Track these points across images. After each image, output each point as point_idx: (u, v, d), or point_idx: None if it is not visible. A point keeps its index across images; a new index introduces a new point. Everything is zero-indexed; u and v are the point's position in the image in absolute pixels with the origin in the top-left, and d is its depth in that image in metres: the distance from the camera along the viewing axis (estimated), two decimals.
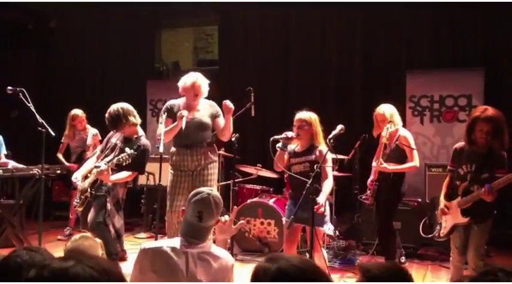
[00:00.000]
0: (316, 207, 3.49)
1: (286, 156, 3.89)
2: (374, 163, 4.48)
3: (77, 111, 6.09)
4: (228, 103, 4.18)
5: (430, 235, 3.91)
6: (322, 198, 3.60)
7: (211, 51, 8.44)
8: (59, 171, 5.05)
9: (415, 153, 4.45)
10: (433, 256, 5.24)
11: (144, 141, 4.36)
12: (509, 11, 6.17)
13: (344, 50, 7.10)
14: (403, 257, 4.90)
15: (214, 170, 4.41)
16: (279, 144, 3.76)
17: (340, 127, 3.66)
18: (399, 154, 4.44)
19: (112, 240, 4.34)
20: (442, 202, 3.69)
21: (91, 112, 6.25)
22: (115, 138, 4.42)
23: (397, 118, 4.50)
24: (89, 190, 4.19)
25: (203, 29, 8.54)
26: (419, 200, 5.57)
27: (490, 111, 3.43)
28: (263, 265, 1.36)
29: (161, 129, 4.16)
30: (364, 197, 5.41)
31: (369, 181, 4.65)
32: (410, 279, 1.46)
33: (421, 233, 4.14)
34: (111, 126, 4.33)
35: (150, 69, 8.33)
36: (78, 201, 4.30)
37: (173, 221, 4.26)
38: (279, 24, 7.46)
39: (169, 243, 2.26)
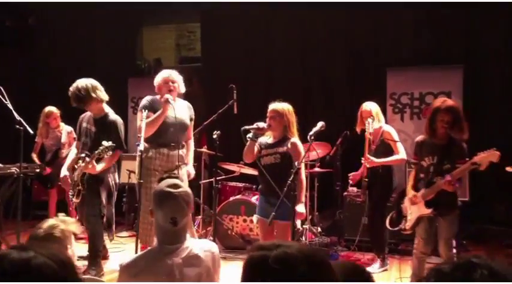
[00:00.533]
0: (299, 217, 3.56)
1: (257, 148, 3.79)
2: (362, 160, 4.58)
3: (52, 108, 6.01)
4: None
5: (396, 228, 3.98)
6: (301, 208, 3.59)
7: (194, 48, 8.41)
8: (38, 170, 4.98)
9: (400, 145, 4.59)
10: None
11: (112, 117, 4.32)
12: (487, 9, 6.28)
13: (326, 47, 7.13)
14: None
15: (184, 171, 4.42)
16: (250, 135, 3.69)
17: (320, 124, 3.66)
18: (385, 150, 4.59)
19: (101, 237, 4.32)
20: (410, 192, 3.78)
21: (71, 110, 6.16)
22: (85, 122, 4.41)
23: (381, 115, 4.71)
24: (80, 183, 4.17)
25: (185, 26, 8.50)
26: (394, 196, 5.64)
27: (449, 101, 3.61)
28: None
29: (142, 126, 4.10)
30: (347, 192, 5.47)
31: (351, 176, 4.81)
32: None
33: (388, 227, 4.17)
34: (77, 101, 4.26)
35: (132, 67, 8.26)
36: (72, 193, 4.30)
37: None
38: (261, 21, 7.46)
39: (149, 256, 2.09)
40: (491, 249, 5.53)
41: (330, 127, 3.79)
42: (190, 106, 4.51)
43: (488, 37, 6.41)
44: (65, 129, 6.06)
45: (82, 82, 4.24)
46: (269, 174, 3.62)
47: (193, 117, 4.48)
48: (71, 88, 4.29)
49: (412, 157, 3.91)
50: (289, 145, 3.69)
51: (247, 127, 3.71)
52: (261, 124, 3.71)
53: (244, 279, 1.24)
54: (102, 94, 4.29)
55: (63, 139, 6.00)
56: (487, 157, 3.32)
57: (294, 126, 3.76)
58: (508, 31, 6.30)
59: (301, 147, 3.71)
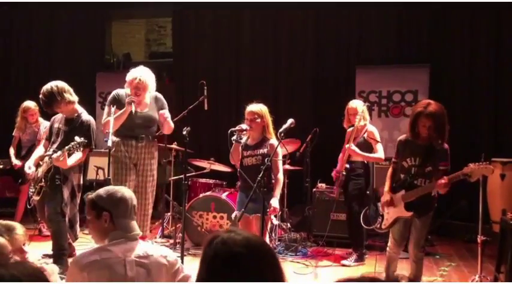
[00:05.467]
0: (270, 212, 3.61)
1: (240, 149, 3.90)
2: (347, 145, 4.67)
3: (30, 103, 5.82)
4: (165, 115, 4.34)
5: (371, 226, 3.99)
6: (275, 202, 3.67)
7: (164, 43, 8.33)
8: (1, 166, 4.85)
9: (380, 146, 4.74)
10: (380, 246, 5.41)
11: (85, 117, 4.29)
12: (452, 10, 6.45)
13: (295, 45, 7.17)
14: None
15: (155, 166, 4.47)
16: (234, 137, 3.78)
17: (290, 121, 3.71)
18: (366, 148, 4.71)
19: (65, 235, 4.24)
20: (387, 193, 3.73)
21: (37, 105, 6.01)
22: (57, 122, 4.35)
23: (367, 114, 4.83)
24: (43, 179, 4.09)
25: (156, 21, 8.40)
26: (368, 192, 5.74)
27: (433, 106, 3.44)
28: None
29: (107, 119, 4.06)
30: (316, 189, 5.52)
31: (333, 171, 4.90)
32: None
33: (362, 224, 4.26)
34: (46, 105, 4.20)
35: (100, 61, 8.10)
36: (33, 190, 4.20)
37: None
38: (232, 17, 7.44)
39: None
40: (454, 243, 5.71)
41: (298, 125, 3.83)
42: (159, 97, 4.50)
43: (454, 37, 6.58)
44: (43, 124, 5.88)
45: (48, 86, 4.16)
46: (251, 174, 3.69)
47: (163, 106, 4.46)
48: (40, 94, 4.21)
49: (393, 156, 3.80)
50: (268, 147, 3.79)
51: (233, 129, 3.78)
52: (244, 126, 3.79)
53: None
54: (70, 96, 4.20)
55: (40, 134, 5.85)
56: (480, 170, 3.31)
57: (271, 126, 3.86)
58: (473, 31, 6.48)
59: (279, 147, 3.76)
